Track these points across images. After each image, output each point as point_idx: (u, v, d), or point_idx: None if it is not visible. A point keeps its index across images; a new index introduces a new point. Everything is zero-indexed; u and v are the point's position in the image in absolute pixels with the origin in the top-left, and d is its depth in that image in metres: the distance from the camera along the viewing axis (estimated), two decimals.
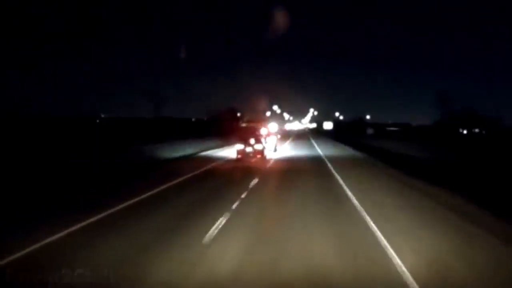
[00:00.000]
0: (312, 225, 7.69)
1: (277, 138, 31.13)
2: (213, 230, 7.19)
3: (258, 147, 21.41)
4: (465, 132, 69.96)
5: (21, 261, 5.64)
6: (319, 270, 5.36)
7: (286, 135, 55.75)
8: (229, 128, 40.37)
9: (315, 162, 21.25)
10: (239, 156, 21.00)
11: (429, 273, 5.29)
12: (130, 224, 7.72)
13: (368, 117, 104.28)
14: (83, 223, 7.57)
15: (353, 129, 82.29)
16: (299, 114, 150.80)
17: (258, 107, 58.54)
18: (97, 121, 43.63)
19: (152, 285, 4.90)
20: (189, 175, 14.85)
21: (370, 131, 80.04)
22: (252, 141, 21.28)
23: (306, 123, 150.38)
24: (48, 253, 5.98)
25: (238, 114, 57.62)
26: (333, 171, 16.44)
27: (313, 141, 44.31)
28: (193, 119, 72.46)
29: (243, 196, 10.60)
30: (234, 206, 9.32)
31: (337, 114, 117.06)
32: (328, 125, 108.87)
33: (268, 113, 63.85)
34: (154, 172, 16.83)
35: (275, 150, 27.28)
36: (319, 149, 31.01)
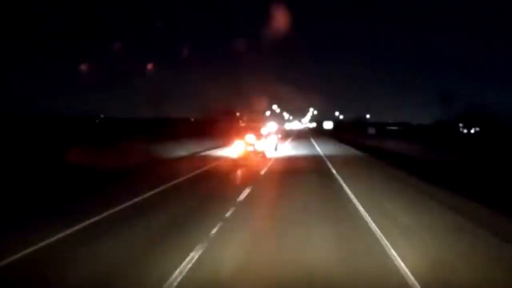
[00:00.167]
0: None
1: (278, 138, 31.13)
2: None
3: (259, 146, 21.37)
4: (465, 131, 69.53)
5: (26, 259, 5.60)
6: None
7: (286, 135, 55.68)
8: (228, 127, 40.32)
9: (316, 162, 21.20)
10: (240, 155, 20.97)
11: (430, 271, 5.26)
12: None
13: (368, 116, 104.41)
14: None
15: (354, 128, 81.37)
16: (299, 113, 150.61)
17: (257, 106, 58.52)
18: (97, 121, 43.65)
19: None
20: (190, 175, 14.91)
21: (371, 130, 78.81)
22: (252, 140, 21.26)
23: (306, 122, 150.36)
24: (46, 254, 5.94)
25: (238, 114, 57.65)
26: (333, 171, 16.39)
27: (313, 141, 44.24)
28: (192, 119, 72.36)
29: (248, 191, 11.12)
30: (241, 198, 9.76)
31: (337, 113, 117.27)
32: (328, 125, 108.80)
33: (268, 113, 63.91)
34: (146, 174, 15.96)
35: (276, 149, 27.29)
36: (319, 149, 30.96)
